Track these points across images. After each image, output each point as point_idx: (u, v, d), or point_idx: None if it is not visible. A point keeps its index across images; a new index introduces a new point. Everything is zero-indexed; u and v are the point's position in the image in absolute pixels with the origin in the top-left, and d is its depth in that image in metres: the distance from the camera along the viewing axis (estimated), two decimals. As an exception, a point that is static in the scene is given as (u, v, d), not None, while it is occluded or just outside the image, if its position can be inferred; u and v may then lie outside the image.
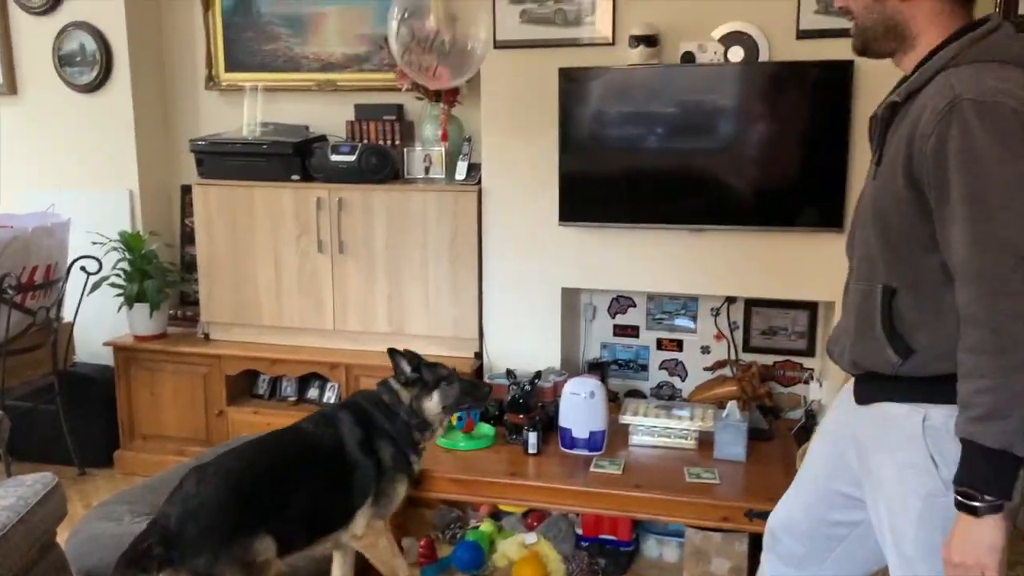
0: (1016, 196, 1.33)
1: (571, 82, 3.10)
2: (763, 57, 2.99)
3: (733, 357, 3.47)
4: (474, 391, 2.62)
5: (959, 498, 1.38)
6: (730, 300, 3.44)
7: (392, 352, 2.58)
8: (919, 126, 1.41)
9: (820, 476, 1.80)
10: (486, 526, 3.20)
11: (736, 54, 3.00)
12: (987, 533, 1.35)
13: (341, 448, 2.40)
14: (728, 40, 3.00)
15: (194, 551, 2.07)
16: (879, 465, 1.57)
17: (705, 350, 3.51)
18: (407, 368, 2.54)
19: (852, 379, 1.67)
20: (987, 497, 1.35)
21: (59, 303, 3.69)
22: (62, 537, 2.74)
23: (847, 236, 1.70)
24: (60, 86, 3.99)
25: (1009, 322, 1.32)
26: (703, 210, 3.10)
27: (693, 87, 3.04)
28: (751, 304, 3.43)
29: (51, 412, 3.74)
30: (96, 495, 3.56)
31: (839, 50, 2.86)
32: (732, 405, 2.89)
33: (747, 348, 3.48)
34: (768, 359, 3.44)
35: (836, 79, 2.87)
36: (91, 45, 3.89)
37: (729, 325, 3.46)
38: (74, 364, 3.92)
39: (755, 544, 2.86)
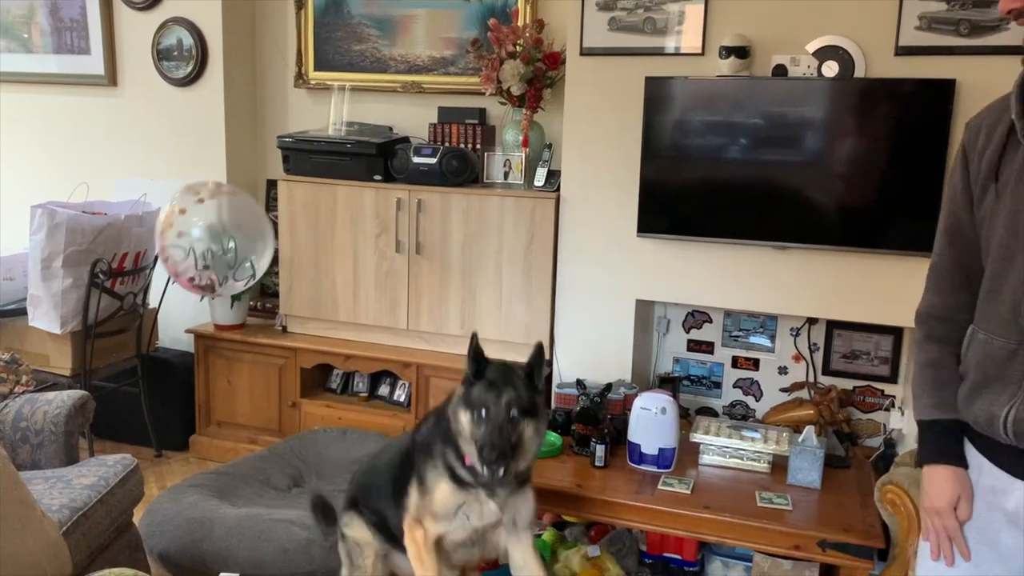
0: None
1: (657, 91, 3.06)
2: (859, 73, 2.89)
3: (811, 380, 3.37)
4: (489, 445, 2.07)
5: None
6: (811, 321, 3.34)
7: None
8: None
9: None
10: (548, 535, 3.17)
11: (830, 69, 2.91)
12: None
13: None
14: (822, 54, 2.92)
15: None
16: None
17: (782, 371, 3.42)
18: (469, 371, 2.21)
19: None
20: None
21: (145, 289, 3.81)
22: (137, 517, 2.83)
23: (992, 277, 1.49)
24: (157, 79, 4.13)
25: None
26: (787, 227, 3.01)
27: (782, 100, 2.97)
28: (833, 326, 3.33)
29: (133, 394, 3.87)
30: (171, 477, 3.67)
31: (939, 67, 2.77)
32: (809, 430, 2.80)
33: (826, 371, 3.37)
34: (848, 384, 3.33)
35: (936, 97, 2.76)
36: (188, 40, 4.01)
37: (809, 346, 3.36)
38: (156, 349, 4.05)
39: (827, 574, 2.77)
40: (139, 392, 3.86)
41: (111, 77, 4.24)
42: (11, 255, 3.76)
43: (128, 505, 2.71)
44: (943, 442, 1.59)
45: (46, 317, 3.44)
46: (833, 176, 2.94)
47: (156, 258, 3.79)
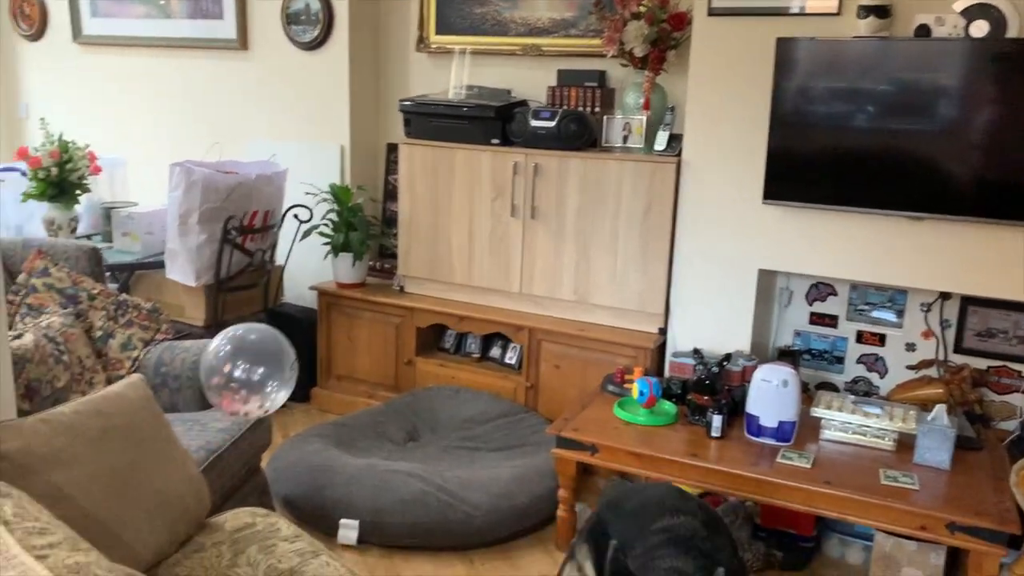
0: None
1: (788, 53, 2.95)
2: (1011, 33, 2.70)
3: (941, 357, 3.22)
4: None
5: None
6: (944, 296, 3.18)
7: None
8: None
9: None
10: (659, 503, 3.17)
11: (979, 28, 2.73)
12: None
13: None
14: (971, 12, 2.74)
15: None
16: None
17: (910, 347, 3.27)
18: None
19: None
20: None
21: (273, 247, 3.97)
22: (264, 463, 2.98)
23: None
24: (285, 43, 4.26)
25: None
26: (922, 196, 2.87)
27: (924, 63, 2.81)
28: (968, 302, 3.16)
29: (259, 347, 4.04)
30: (294, 427, 3.84)
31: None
32: (940, 408, 2.68)
33: (958, 349, 3.21)
34: (982, 363, 3.17)
35: (1100, 59, 2.56)
36: (315, 5, 4.11)
37: (940, 323, 3.21)
38: (282, 304, 4.22)
39: (953, 558, 2.67)
40: (264, 345, 4.03)
41: (242, 41, 4.40)
42: (151, 211, 3.98)
43: (257, 450, 2.85)
44: None
45: (182, 270, 3.63)
46: (974, 145, 2.77)
47: (283, 217, 3.93)
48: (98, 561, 1.04)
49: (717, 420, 2.81)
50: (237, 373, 2.45)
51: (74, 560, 1.02)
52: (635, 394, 2.97)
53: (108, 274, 3.88)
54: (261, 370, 2.49)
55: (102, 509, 1.85)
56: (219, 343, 2.51)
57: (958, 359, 3.19)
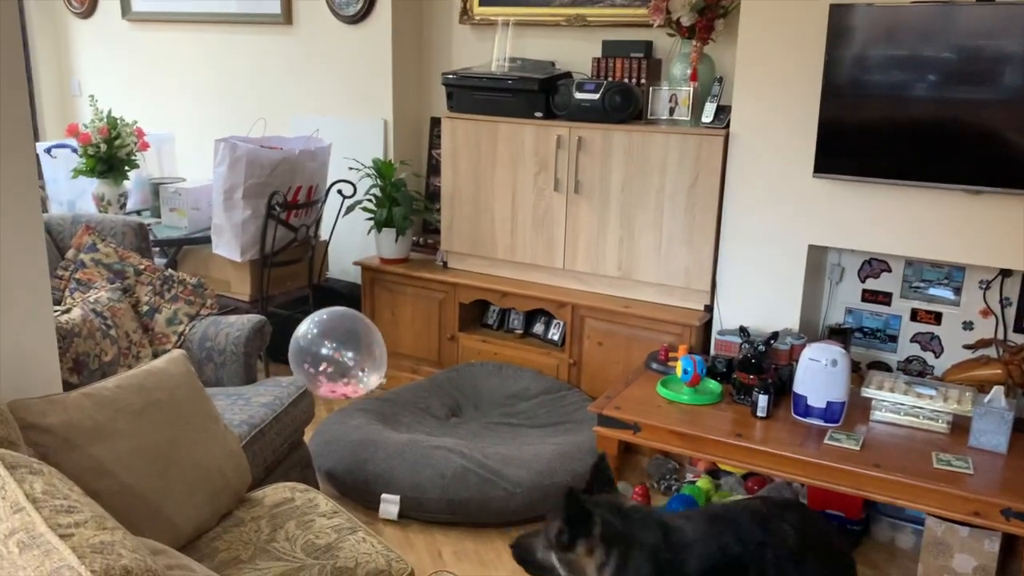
0: None
1: (841, 21, 2.83)
2: (1083, -6, 2.56)
3: (1001, 337, 3.10)
4: None
5: None
6: (1005, 273, 3.05)
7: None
8: None
9: None
10: (703, 482, 3.12)
11: (1049, -10, 2.59)
12: None
13: None
14: (1040, -26, 2.59)
15: None
16: None
17: (967, 326, 3.15)
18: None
19: None
20: None
21: (317, 222, 3.98)
22: (307, 437, 3.00)
23: None
24: (329, 17, 4.24)
25: None
26: (982, 169, 2.74)
27: (989, 28, 2.67)
28: (1030, 279, 3.03)
29: (304, 322, 4.07)
30: (337, 402, 3.86)
31: None
32: (998, 390, 2.58)
33: (1018, 328, 3.08)
34: (1044, 343, 3.04)
35: None
36: (358, -22, 4.08)
37: (1001, 301, 3.08)
38: (327, 279, 4.24)
39: (1008, 545, 2.58)
40: (309, 320, 4.06)
41: (286, 16, 4.39)
42: (198, 186, 4.02)
43: (300, 424, 2.87)
44: None
45: (228, 246, 3.66)
46: (1042, 113, 2.63)
47: (327, 192, 3.94)
48: (123, 540, 1.05)
49: (763, 400, 2.74)
50: (327, 353, 2.52)
51: (99, 539, 1.03)
52: (679, 372, 2.92)
53: (157, 250, 3.95)
54: (350, 354, 2.55)
55: (143, 483, 1.87)
56: (307, 326, 2.59)
57: (1018, 339, 3.07)
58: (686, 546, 1.81)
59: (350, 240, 4.19)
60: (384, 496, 2.94)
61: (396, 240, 3.96)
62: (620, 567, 1.74)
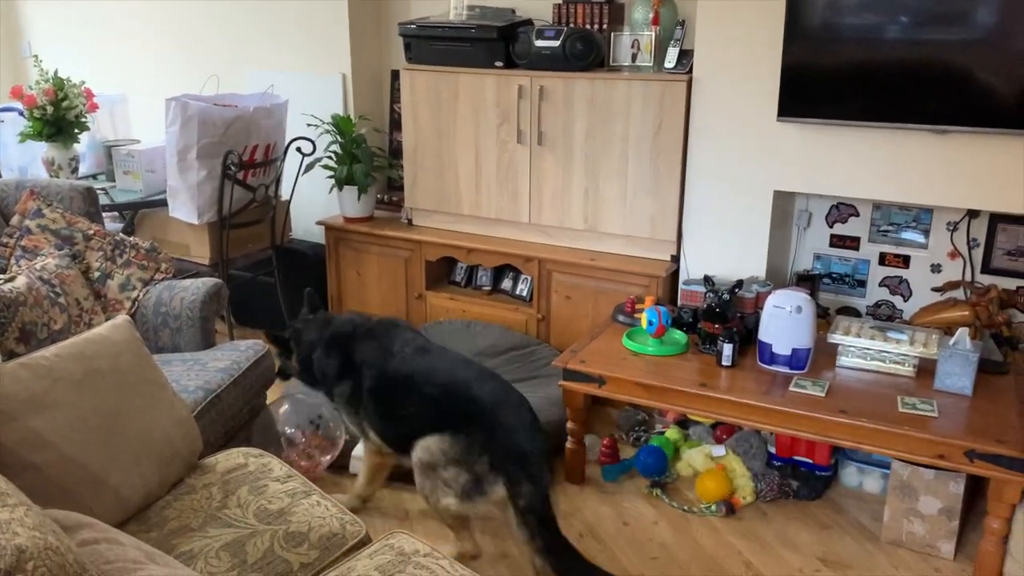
0: None
1: (804, -43, 2.74)
2: (1049, -77, 2.48)
3: (968, 278, 3.07)
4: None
5: None
6: (972, 214, 3.02)
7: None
8: None
9: None
10: (672, 433, 3.11)
11: (1014, -80, 2.51)
12: None
13: None
14: (1006, -98, 2.51)
15: None
16: None
17: (935, 268, 3.13)
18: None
19: None
20: None
21: (277, 181, 3.88)
22: (271, 400, 2.95)
23: None
24: (281, -31, 4.09)
25: None
26: (949, 108, 2.68)
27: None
28: (997, 220, 3.00)
29: (269, 284, 4.00)
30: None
31: None
32: (963, 332, 2.56)
33: (986, 269, 3.06)
34: (1011, 283, 3.02)
35: None
36: (310, -73, 3.93)
37: (968, 242, 3.05)
38: (290, 240, 4.15)
39: (972, 487, 2.58)
40: (274, 282, 3.99)
41: (237, -32, 4.24)
42: (152, 148, 3.90)
43: (260, 388, 2.82)
44: None
45: (184, 208, 3.56)
46: (1011, 52, 2.57)
47: (286, 151, 3.83)
48: (22, 518, 0.99)
49: (727, 348, 2.71)
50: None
51: (-4, 517, 0.97)
52: (644, 324, 2.88)
53: (115, 214, 3.84)
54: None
55: (85, 454, 1.82)
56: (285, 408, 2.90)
57: (986, 280, 3.05)
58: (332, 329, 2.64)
59: (313, 200, 4.10)
60: (354, 453, 2.91)
61: (359, 198, 3.87)
62: (300, 356, 2.64)
